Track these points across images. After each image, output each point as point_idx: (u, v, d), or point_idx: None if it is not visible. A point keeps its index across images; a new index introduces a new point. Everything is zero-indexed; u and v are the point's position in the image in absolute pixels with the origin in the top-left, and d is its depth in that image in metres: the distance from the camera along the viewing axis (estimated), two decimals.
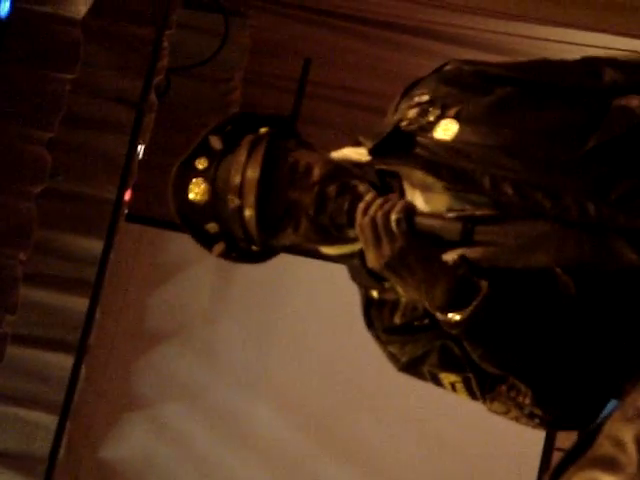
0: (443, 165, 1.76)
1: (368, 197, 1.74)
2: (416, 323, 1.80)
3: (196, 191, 1.79)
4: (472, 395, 1.83)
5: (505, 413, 1.82)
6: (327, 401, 4.57)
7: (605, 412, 1.69)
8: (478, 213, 1.73)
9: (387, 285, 1.82)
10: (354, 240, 1.78)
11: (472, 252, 1.72)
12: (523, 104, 1.80)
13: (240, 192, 1.76)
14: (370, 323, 1.88)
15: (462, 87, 1.82)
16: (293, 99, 5.05)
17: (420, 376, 1.86)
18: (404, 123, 1.81)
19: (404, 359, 1.85)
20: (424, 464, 4.53)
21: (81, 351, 4.22)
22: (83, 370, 4.27)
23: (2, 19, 3.72)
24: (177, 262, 4.70)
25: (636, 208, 1.69)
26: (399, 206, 1.70)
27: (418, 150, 1.78)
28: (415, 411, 4.47)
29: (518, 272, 1.70)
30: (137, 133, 4.31)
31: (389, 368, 1.91)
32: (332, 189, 1.76)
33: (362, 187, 1.77)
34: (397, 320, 1.83)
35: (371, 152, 1.82)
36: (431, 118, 1.80)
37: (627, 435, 1.04)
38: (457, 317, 1.68)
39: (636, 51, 4.03)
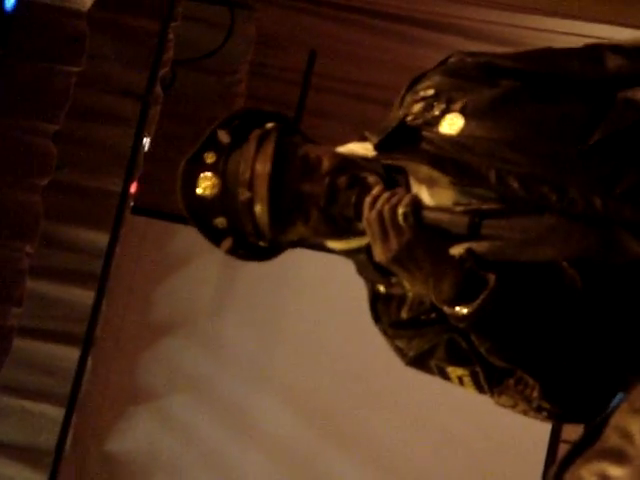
0: (449, 160, 1.76)
1: (375, 191, 1.73)
2: (423, 317, 1.80)
3: (205, 185, 1.79)
4: (479, 389, 1.83)
5: (513, 407, 1.82)
6: (333, 394, 4.57)
7: (612, 404, 1.69)
8: (484, 207, 1.73)
9: (394, 280, 1.82)
10: (362, 233, 1.78)
11: (478, 246, 1.71)
12: (528, 98, 1.79)
13: (251, 185, 1.76)
14: (377, 317, 1.88)
15: (466, 79, 1.82)
16: (299, 91, 5.05)
17: (427, 370, 1.86)
18: (409, 118, 1.81)
19: (411, 353, 1.84)
20: (430, 457, 4.53)
21: (87, 344, 4.22)
22: (89, 363, 4.28)
23: (8, 12, 3.73)
24: (183, 255, 4.70)
25: None
26: (406, 200, 1.70)
27: (424, 145, 1.78)
28: (421, 404, 4.47)
29: (524, 266, 1.70)
30: (143, 125, 4.31)
31: (395, 361, 1.91)
32: (342, 180, 1.77)
33: (371, 179, 1.77)
34: (404, 314, 1.83)
35: (377, 147, 1.82)
36: (436, 112, 1.80)
37: (634, 426, 1.04)
38: (465, 310, 1.68)
39: None
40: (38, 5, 3.86)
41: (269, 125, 1.82)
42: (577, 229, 1.70)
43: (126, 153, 4.30)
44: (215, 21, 4.91)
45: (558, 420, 1.88)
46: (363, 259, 1.85)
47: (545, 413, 1.79)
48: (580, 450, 1.06)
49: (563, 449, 4.36)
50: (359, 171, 1.79)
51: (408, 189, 1.79)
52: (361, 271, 1.89)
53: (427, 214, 1.71)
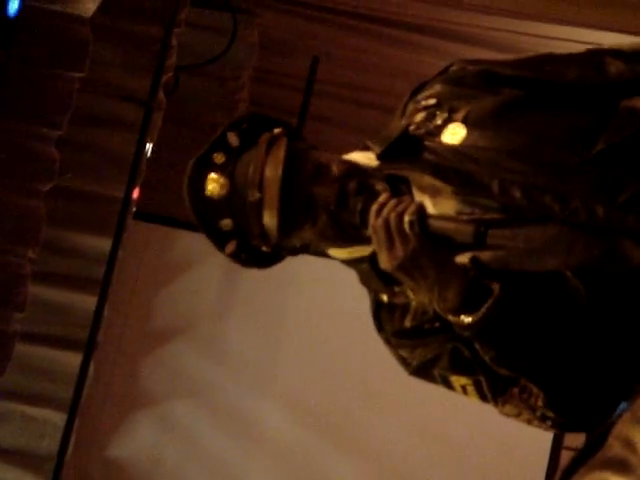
0: (451, 169, 1.76)
1: (382, 198, 1.74)
2: (426, 326, 1.81)
3: (213, 186, 1.80)
4: (483, 398, 1.84)
5: (517, 416, 1.82)
6: (335, 399, 4.57)
7: (615, 413, 1.69)
8: (487, 217, 1.73)
9: (397, 289, 1.83)
10: (368, 240, 1.78)
11: (483, 255, 1.72)
12: (529, 106, 1.80)
13: (261, 186, 1.77)
14: (380, 327, 1.88)
15: (468, 88, 1.83)
16: (301, 97, 5.05)
17: (431, 379, 1.86)
18: (412, 127, 1.82)
19: (415, 363, 1.85)
20: (432, 462, 4.53)
21: (89, 349, 4.22)
22: (91, 368, 4.28)
23: (11, 18, 3.73)
24: (185, 260, 4.71)
25: None
26: (412, 208, 1.71)
27: (426, 155, 1.78)
28: (423, 410, 4.47)
29: (529, 275, 1.70)
30: (145, 131, 4.31)
31: (398, 368, 1.91)
32: (352, 185, 1.78)
33: (379, 186, 1.78)
34: (407, 323, 1.83)
35: (379, 157, 1.82)
36: (438, 122, 1.81)
37: (637, 436, 1.04)
38: (469, 319, 1.68)
39: None
40: (41, 11, 3.87)
41: (277, 130, 1.83)
42: (580, 238, 1.70)
43: (129, 159, 4.30)
44: (218, 27, 4.91)
45: (562, 429, 1.88)
46: (366, 269, 1.85)
47: (549, 422, 1.79)
48: (583, 459, 1.06)
49: (565, 456, 4.36)
50: (367, 178, 1.79)
51: (411, 198, 1.79)
52: (364, 281, 1.89)
53: (433, 222, 1.71)
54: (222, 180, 1.79)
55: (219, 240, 1.83)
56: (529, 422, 1.82)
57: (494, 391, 1.81)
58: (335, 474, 4.57)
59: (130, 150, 4.30)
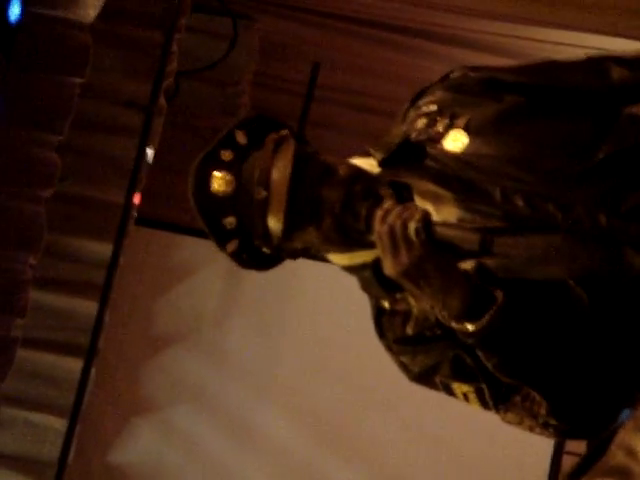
0: (454, 177, 1.76)
1: (387, 205, 1.74)
2: (428, 333, 1.80)
3: (219, 182, 1.80)
4: (484, 405, 1.83)
5: (519, 423, 1.82)
6: (336, 403, 4.56)
7: (617, 421, 1.69)
8: (489, 225, 1.73)
9: (398, 296, 1.83)
10: (371, 245, 1.78)
11: (486, 263, 1.72)
12: (532, 114, 1.79)
13: (267, 185, 1.77)
14: (381, 333, 1.88)
15: (470, 95, 1.83)
16: (301, 103, 5.05)
17: (432, 386, 1.86)
18: (413, 134, 1.82)
19: (416, 369, 1.85)
20: (432, 466, 4.53)
21: (90, 354, 4.22)
22: (92, 373, 4.28)
23: (12, 24, 3.73)
24: (186, 265, 4.71)
25: None
26: (418, 215, 1.70)
27: (428, 162, 1.79)
28: (424, 415, 4.47)
29: (532, 283, 1.70)
30: (146, 137, 4.31)
31: (398, 372, 1.91)
32: (358, 189, 1.78)
33: (384, 191, 1.78)
34: (409, 330, 1.83)
35: (381, 164, 1.82)
36: (440, 129, 1.80)
37: (639, 445, 1.04)
38: (473, 327, 1.68)
39: None
40: (42, 17, 3.87)
41: (283, 132, 1.84)
42: (583, 247, 1.70)
43: (129, 164, 4.30)
44: (218, 33, 4.91)
45: (564, 436, 1.88)
46: (367, 275, 1.85)
47: (551, 429, 1.79)
48: (585, 467, 1.06)
49: (567, 460, 4.36)
50: (372, 183, 1.80)
51: (416, 205, 1.79)
52: (365, 287, 1.89)
53: (438, 230, 1.71)
54: (228, 177, 1.79)
55: (221, 238, 1.83)
56: (531, 429, 1.82)
57: (496, 399, 1.81)
58: (336, 478, 4.56)
59: (131, 155, 4.30)
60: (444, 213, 1.76)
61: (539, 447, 4.37)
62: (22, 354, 4.03)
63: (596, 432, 1.75)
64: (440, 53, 4.99)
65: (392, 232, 1.70)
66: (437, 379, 1.84)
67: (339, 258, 1.88)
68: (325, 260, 1.92)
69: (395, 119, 1.91)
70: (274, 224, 1.78)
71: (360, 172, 1.81)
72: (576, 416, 1.78)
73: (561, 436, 1.84)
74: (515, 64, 1.91)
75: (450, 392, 1.85)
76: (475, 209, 1.75)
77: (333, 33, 5.11)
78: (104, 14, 4.00)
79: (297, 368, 4.61)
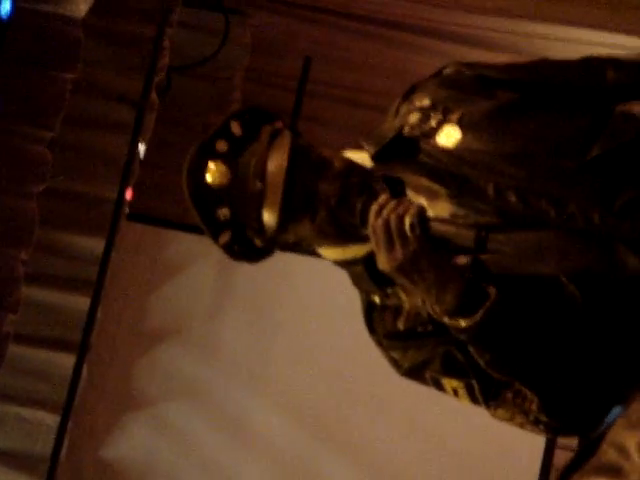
0: (447, 172, 1.76)
1: (382, 199, 1.74)
2: (420, 329, 1.81)
3: (214, 173, 1.79)
4: (474, 401, 1.84)
5: (509, 419, 1.83)
6: (330, 399, 4.57)
7: (609, 419, 1.70)
8: (482, 221, 1.73)
9: (390, 291, 1.83)
10: (365, 239, 1.78)
11: (480, 259, 1.72)
12: (525, 110, 1.79)
13: (263, 177, 1.77)
14: (372, 328, 1.88)
15: (463, 91, 1.82)
16: (293, 98, 5.05)
17: (422, 381, 1.86)
18: (406, 129, 1.81)
19: (406, 365, 1.85)
20: (425, 462, 4.53)
21: (83, 350, 4.22)
22: (85, 369, 4.27)
23: (3, 19, 3.72)
24: (178, 261, 4.70)
25: None
26: (413, 210, 1.71)
27: (421, 157, 1.78)
28: (416, 409, 4.47)
29: (525, 280, 1.71)
30: (138, 132, 4.30)
31: (390, 367, 1.91)
32: (354, 183, 1.78)
33: (378, 186, 1.78)
34: (400, 326, 1.83)
35: (374, 157, 1.82)
36: (433, 123, 1.80)
37: (630, 442, 1.05)
38: (466, 322, 1.69)
39: None
40: (33, 12, 3.86)
41: (278, 124, 1.83)
42: (576, 244, 1.70)
43: (121, 159, 4.29)
44: (210, 28, 4.91)
45: (555, 433, 1.89)
46: (359, 270, 1.85)
47: (542, 426, 1.79)
48: (577, 465, 1.06)
49: (559, 455, 4.37)
50: (367, 177, 1.79)
51: (410, 200, 1.79)
52: (356, 282, 1.89)
53: (434, 225, 1.71)
54: (223, 168, 1.79)
55: (214, 229, 1.82)
56: (521, 426, 1.82)
57: (486, 395, 1.82)
58: (329, 473, 4.57)
59: (123, 151, 4.30)
60: (437, 208, 1.76)
61: (531, 441, 4.37)
62: (14, 350, 4.03)
63: (586, 429, 1.76)
64: (433, 48, 4.99)
65: (387, 226, 1.70)
66: (427, 374, 1.84)
67: (330, 252, 1.88)
68: (316, 255, 1.92)
69: (387, 114, 1.90)
70: (269, 216, 1.78)
71: (354, 165, 1.81)
72: (567, 413, 1.78)
73: (552, 433, 1.84)
74: (508, 62, 1.91)
75: (440, 387, 1.85)
76: (468, 205, 1.75)
77: (325, 28, 5.10)
78: (95, 9, 4.00)
79: (290, 363, 4.61)
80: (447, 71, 1.87)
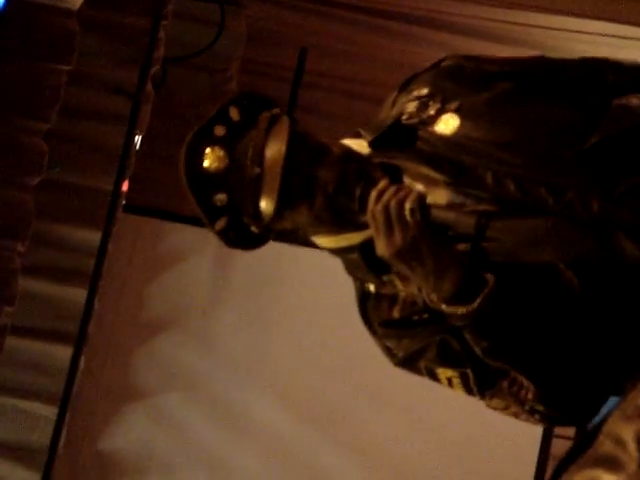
0: (445, 160, 1.76)
1: (381, 185, 1.74)
2: (415, 317, 1.80)
3: (212, 158, 1.78)
4: (468, 391, 1.84)
5: (504, 409, 1.83)
6: (327, 390, 4.57)
7: (605, 410, 1.70)
8: (480, 208, 1.73)
9: (386, 279, 1.82)
10: (362, 227, 1.78)
11: (479, 246, 1.72)
12: (524, 99, 1.80)
13: (261, 162, 1.76)
14: (366, 317, 1.87)
15: (461, 82, 1.82)
16: (289, 89, 5.04)
17: (416, 371, 1.86)
18: (404, 117, 1.81)
19: (401, 354, 1.85)
20: (423, 451, 4.54)
21: (80, 342, 4.22)
22: (82, 361, 4.27)
23: None
24: (175, 252, 4.70)
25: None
26: (414, 195, 1.71)
27: (419, 144, 1.78)
28: (414, 400, 4.47)
29: (523, 267, 1.71)
30: (134, 124, 4.30)
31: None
32: (352, 169, 1.77)
33: (377, 173, 1.78)
34: (396, 314, 1.83)
35: (371, 144, 1.82)
36: (431, 112, 1.80)
37: (627, 434, 1.05)
38: (463, 309, 1.68)
39: None
40: (28, 4, 3.86)
41: (276, 110, 1.83)
42: (575, 232, 1.70)
43: (117, 151, 4.29)
44: (206, 19, 4.90)
45: (550, 423, 1.88)
46: (354, 257, 1.84)
47: (537, 416, 1.79)
48: (574, 457, 1.07)
49: (556, 444, 4.37)
50: (365, 164, 1.79)
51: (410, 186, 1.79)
52: (350, 270, 1.88)
53: (434, 212, 1.71)
54: (221, 153, 1.78)
55: (210, 215, 1.81)
56: (516, 416, 1.83)
57: (481, 384, 1.82)
58: (327, 465, 4.57)
59: (119, 142, 4.29)
60: (435, 196, 1.76)
61: (529, 430, 4.38)
62: (11, 342, 4.03)
63: (582, 419, 1.76)
64: (430, 39, 4.98)
65: (387, 211, 1.70)
66: (422, 364, 1.84)
67: (326, 240, 1.87)
68: (310, 245, 1.91)
69: (383, 105, 1.90)
70: (266, 202, 1.77)
71: (353, 152, 1.81)
72: (563, 402, 1.79)
73: (547, 422, 1.84)
74: (507, 57, 1.91)
75: (434, 377, 1.85)
76: (466, 192, 1.75)
77: (321, 19, 5.09)
78: (91, 1, 4.00)
79: (288, 354, 4.62)
80: (445, 63, 1.87)
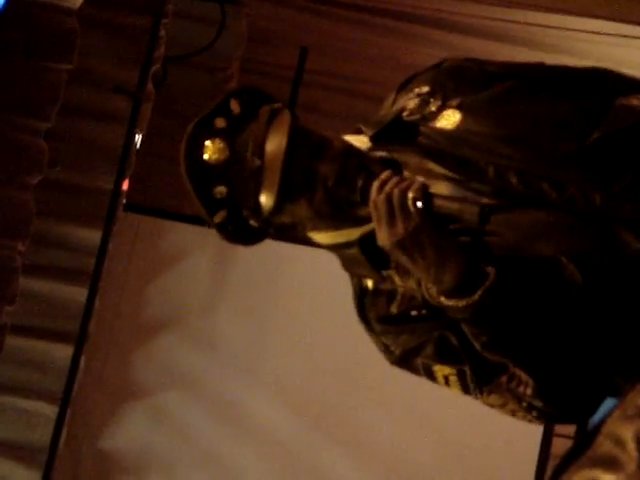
0: (447, 153, 1.76)
1: (384, 175, 1.73)
2: (414, 313, 1.80)
3: (212, 150, 1.77)
4: (465, 389, 1.83)
5: (502, 406, 1.83)
6: (326, 389, 4.57)
7: (604, 410, 1.70)
8: (481, 201, 1.73)
9: (385, 273, 1.82)
10: (363, 220, 1.77)
11: (481, 239, 1.72)
12: (526, 96, 1.80)
13: (261, 155, 1.75)
14: (363, 314, 1.87)
15: (462, 81, 1.83)
16: (290, 88, 5.04)
17: (413, 369, 1.86)
18: (405, 113, 1.82)
19: (398, 351, 1.84)
20: (422, 450, 4.54)
21: (80, 341, 4.22)
22: (82, 360, 4.28)
23: None
24: (175, 251, 4.70)
25: None
26: (417, 185, 1.70)
27: (421, 139, 1.78)
28: (413, 398, 4.47)
29: (524, 260, 1.70)
30: (134, 123, 4.30)
31: None
32: (353, 163, 1.77)
33: (377, 167, 1.78)
34: (394, 309, 1.83)
35: (372, 139, 1.82)
36: (432, 108, 1.81)
37: (627, 434, 1.05)
38: (464, 302, 1.68)
39: None
40: (28, 3, 3.86)
41: (277, 104, 1.82)
42: (576, 225, 1.71)
43: (118, 150, 4.29)
44: (206, 18, 4.90)
45: (547, 420, 1.88)
46: (353, 252, 1.84)
47: (535, 412, 1.79)
48: (573, 457, 1.06)
49: (556, 443, 4.37)
50: (365, 159, 1.79)
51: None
52: (348, 266, 1.88)
53: (437, 201, 1.70)
54: (221, 145, 1.77)
55: (210, 207, 1.80)
56: (513, 413, 1.82)
57: (478, 381, 1.81)
58: (327, 464, 4.58)
59: (119, 142, 4.29)
60: (435, 189, 1.75)
61: (529, 430, 4.38)
62: (11, 341, 4.03)
63: (579, 417, 1.76)
64: (430, 37, 4.98)
65: (389, 201, 1.69)
66: (419, 361, 1.83)
67: (324, 236, 1.86)
68: (308, 242, 1.91)
69: (384, 104, 1.91)
70: (266, 196, 1.77)
71: (354, 147, 1.81)
72: (562, 398, 1.78)
73: (544, 419, 1.84)
74: (508, 61, 1.92)
75: (431, 375, 1.85)
76: (467, 186, 1.75)
77: (321, 18, 5.10)
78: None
79: (287, 353, 4.62)
80: (446, 64, 1.88)
